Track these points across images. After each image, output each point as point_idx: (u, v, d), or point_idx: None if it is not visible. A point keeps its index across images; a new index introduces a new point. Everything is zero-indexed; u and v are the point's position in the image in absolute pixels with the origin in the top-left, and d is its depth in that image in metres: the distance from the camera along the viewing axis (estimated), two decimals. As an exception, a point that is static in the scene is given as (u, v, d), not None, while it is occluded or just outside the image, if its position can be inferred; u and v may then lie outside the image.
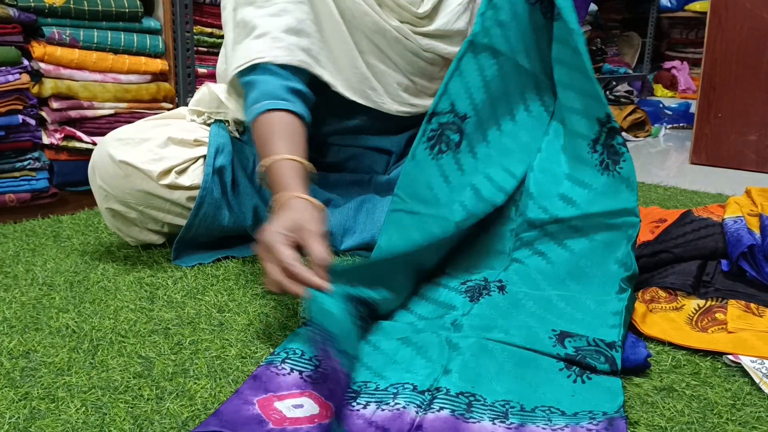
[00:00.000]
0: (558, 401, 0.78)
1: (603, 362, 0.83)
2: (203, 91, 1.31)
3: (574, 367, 0.84)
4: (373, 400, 0.77)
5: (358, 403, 0.77)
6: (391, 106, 1.30)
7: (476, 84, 1.11)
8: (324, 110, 1.27)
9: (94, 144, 1.60)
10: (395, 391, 0.78)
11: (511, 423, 0.73)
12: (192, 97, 1.36)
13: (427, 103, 1.33)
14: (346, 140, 1.34)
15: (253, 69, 1.14)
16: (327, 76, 1.21)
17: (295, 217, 0.90)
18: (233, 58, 1.18)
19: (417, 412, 0.74)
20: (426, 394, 0.77)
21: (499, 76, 1.13)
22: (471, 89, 1.11)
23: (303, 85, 1.16)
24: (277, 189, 1.00)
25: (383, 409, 0.75)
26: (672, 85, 3.82)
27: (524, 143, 1.16)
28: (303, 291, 0.83)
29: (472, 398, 0.77)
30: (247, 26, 1.18)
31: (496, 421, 0.73)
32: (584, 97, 1.08)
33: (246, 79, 1.15)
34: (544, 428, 0.72)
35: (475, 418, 0.74)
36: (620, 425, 0.71)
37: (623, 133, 2.92)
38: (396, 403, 0.75)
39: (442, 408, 0.75)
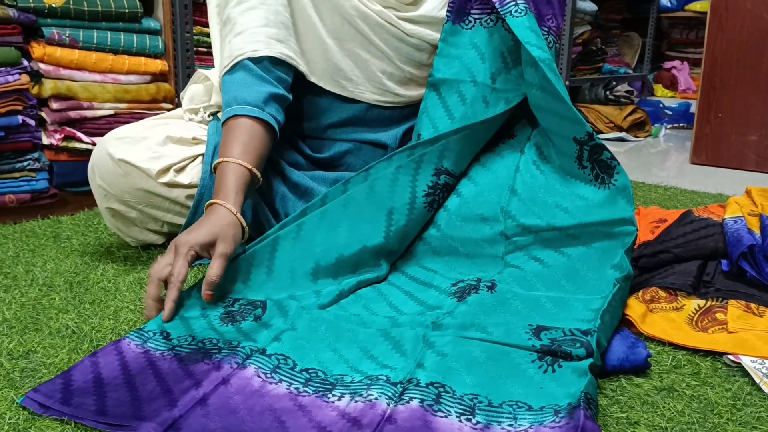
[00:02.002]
0: (526, 395, 0.77)
1: (578, 347, 0.83)
2: (195, 87, 1.32)
3: (547, 358, 0.83)
4: (347, 392, 0.78)
5: (333, 395, 0.78)
6: (370, 96, 1.31)
7: (439, 115, 1.22)
8: (315, 103, 1.28)
9: (94, 144, 1.60)
10: (369, 382, 0.79)
11: (477, 422, 0.73)
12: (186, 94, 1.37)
13: (413, 93, 1.34)
14: (340, 134, 1.34)
15: (233, 68, 1.18)
16: (303, 66, 1.24)
17: (216, 232, 0.99)
18: (221, 59, 1.21)
19: (389, 404, 0.74)
20: (398, 386, 0.78)
21: (461, 101, 1.21)
22: (435, 120, 1.23)
23: (280, 84, 1.19)
24: (216, 190, 1.06)
25: (356, 401, 0.76)
26: (672, 85, 3.82)
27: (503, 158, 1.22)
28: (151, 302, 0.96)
29: (441, 389, 0.77)
30: (228, 24, 1.21)
31: (462, 417, 0.73)
32: (559, 119, 1.10)
33: (224, 78, 1.18)
34: (508, 430, 0.72)
35: (443, 412, 0.74)
36: (579, 415, 0.70)
37: (623, 133, 2.92)
38: (369, 395, 0.76)
39: (411, 399, 0.75)
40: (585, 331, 0.87)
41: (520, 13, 1.13)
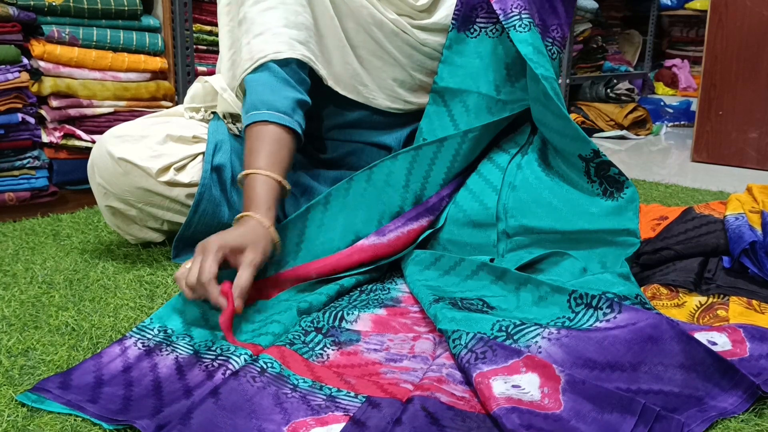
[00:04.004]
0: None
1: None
2: (196, 86, 1.31)
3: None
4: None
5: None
6: (383, 102, 1.30)
7: (444, 124, 1.23)
8: (322, 104, 1.26)
9: (94, 142, 1.60)
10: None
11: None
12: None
13: (423, 100, 1.32)
14: (345, 135, 1.34)
15: (255, 70, 1.13)
16: (322, 70, 1.20)
17: (245, 239, 0.94)
18: (240, 61, 1.16)
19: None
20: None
21: (465, 110, 1.22)
22: (438, 130, 1.23)
23: (303, 88, 1.15)
24: (247, 203, 1.02)
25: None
26: (673, 83, 3.81)
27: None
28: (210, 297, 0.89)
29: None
30: (245, 23, 1.16)
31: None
32: (561, 137, 1.10)
33: (249, 78, 1.13)
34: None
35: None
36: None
37: (624, 131, 2.92)
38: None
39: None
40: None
41: (524, 28, 1.12)
